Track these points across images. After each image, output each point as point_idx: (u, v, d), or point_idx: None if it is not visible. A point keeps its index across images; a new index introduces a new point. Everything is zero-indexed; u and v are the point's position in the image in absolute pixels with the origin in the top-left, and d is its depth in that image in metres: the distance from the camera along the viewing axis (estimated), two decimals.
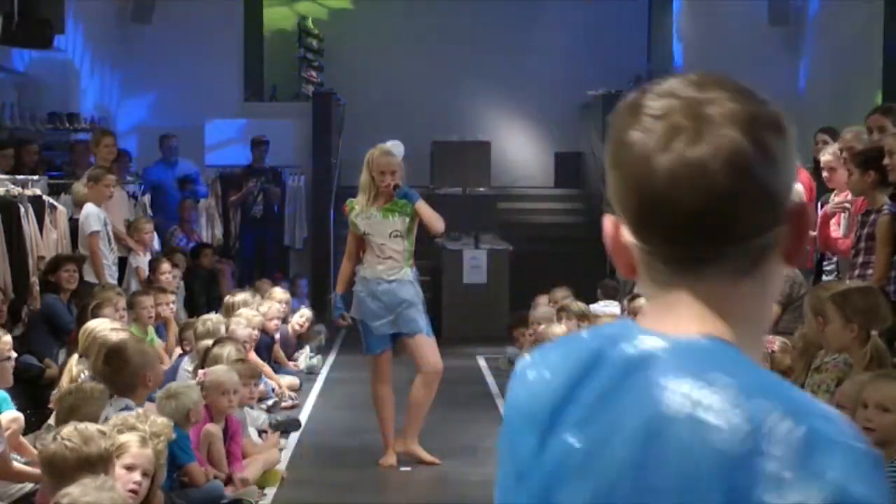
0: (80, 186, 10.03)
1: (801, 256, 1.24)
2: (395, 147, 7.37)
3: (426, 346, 7.34)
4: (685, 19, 16.92)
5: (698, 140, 1.17)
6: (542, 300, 10.90)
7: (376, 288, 7.22)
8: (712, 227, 1.18)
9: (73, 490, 3.71)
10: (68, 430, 4.25)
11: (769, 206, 1.19)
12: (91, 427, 4.30)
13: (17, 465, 5.49)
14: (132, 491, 4.44)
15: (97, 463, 4.13)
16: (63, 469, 4.11)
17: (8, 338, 6.13)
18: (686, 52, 16.71)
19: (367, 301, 7.26)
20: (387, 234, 7.26)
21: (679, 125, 1.18)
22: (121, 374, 5.62)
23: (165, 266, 10.31)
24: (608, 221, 1.26)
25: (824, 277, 7.39)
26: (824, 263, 7.54)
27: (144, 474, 4.55)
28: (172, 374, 7.71)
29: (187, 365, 7.95)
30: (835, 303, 5.24)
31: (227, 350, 7.55)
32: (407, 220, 7.29)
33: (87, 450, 4.15)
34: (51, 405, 6.08)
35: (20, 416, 5.88)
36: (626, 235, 1.24)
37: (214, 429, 6.23)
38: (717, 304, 1.20)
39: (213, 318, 8.69)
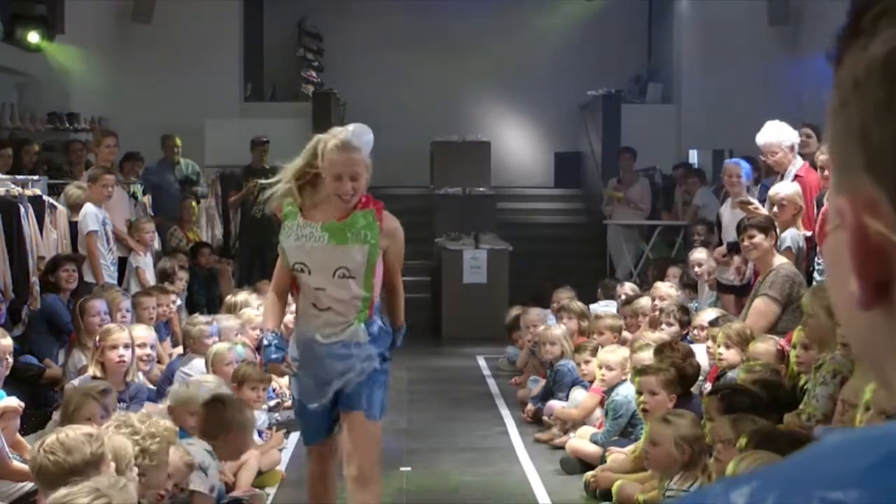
0: (72, 189, 10.02)
1: None
2: (359, 136, 4.76)
3: (361, 436, 4.83)
4: (685, 19, 16.91)
5: None
6: (534, 310, 10.85)
7: (308, 353, 4.84)
8: None
9: (61, 492, 3.70)
10: (50, 440, 4.16)
11: None
12: (75, 433, 4.22)
13: (16, 464, 5.49)
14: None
15: (84, 469, 4.06)
16: (48, 480, 4.07)
17: (9, 341, 6.14)
18: (686, 52, 16.70)
19: (298, 370, 4.91)
20: (329, 273, 4.74)
21: None
22: (216, 430, 5.71)
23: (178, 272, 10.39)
24: (847, 202, 0.71)
25: (816, 276, 7.38)
26: (818, 261, 7.53)
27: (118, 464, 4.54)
28: (169, 375, 7.70)
29: (184, 366, 7.92)
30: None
31: (217, 349, 7.54)
32: (368, 249, 4.73)
33: (71, 459, 4.07)
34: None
35: (15, 400, 5.87)
36: (889, 231, 0.69)
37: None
38: None
39: (204, 320, 8.66)
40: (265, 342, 4.89)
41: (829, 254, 0.75)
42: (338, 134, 4.73)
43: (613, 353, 7.44)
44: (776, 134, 8.15)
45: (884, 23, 0.69)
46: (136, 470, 4.47)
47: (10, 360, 6.26)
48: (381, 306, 4.97)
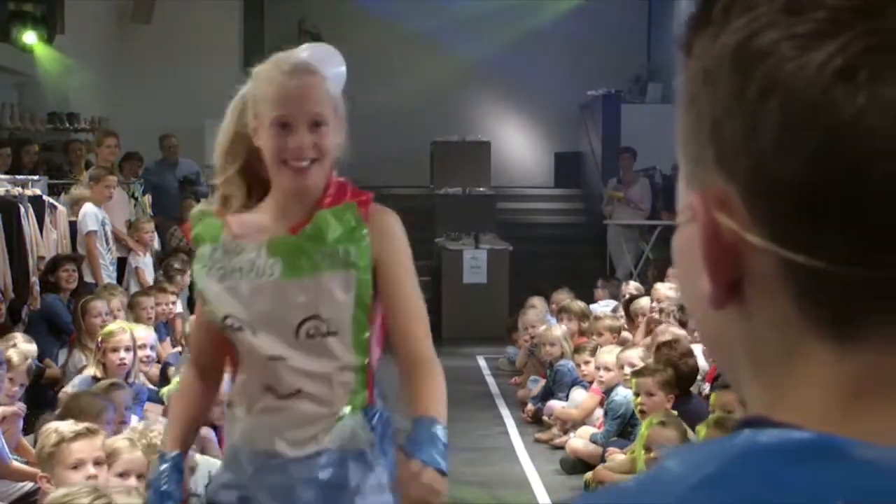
0: (77, 190, 10.03)
1: None
2: (319, 60, 2.78)
3: None
4: (685, 19, 16.88)
5: None
6: (536, 301, 10.89)
7: (263, 480, 2.66)
8: None
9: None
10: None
11: None
12: (50, 427, 4.57)
13: (16, 464, 5.49)
14: None
15: (46, 461, 4.47)
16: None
17: (29, 358, 6.21)
18: None
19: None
20: (290, 329, 2.61)
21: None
22: None
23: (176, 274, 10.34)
24: (699, 198, 0.68)
25: None
26: None
27: (140, 477, 4.56)
28: (164, 371, 7.71)
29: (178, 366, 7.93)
30: None
31: None
32: (355, 277, 2.61)
33: (40, 447, 4.53)
34: None
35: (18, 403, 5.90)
36: (740, 229, 0.67)
37: (206, 431, 6.22)
38: None
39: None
40: (154, 477, 2.73)
41: (679, 249, 0.73)
42: (278, 59, 2.75)
43: (611, 354, 7.44)
44: None
45: (735, 11, 0.67)
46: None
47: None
48: (382, 381, 2.70)
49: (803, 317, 0.66)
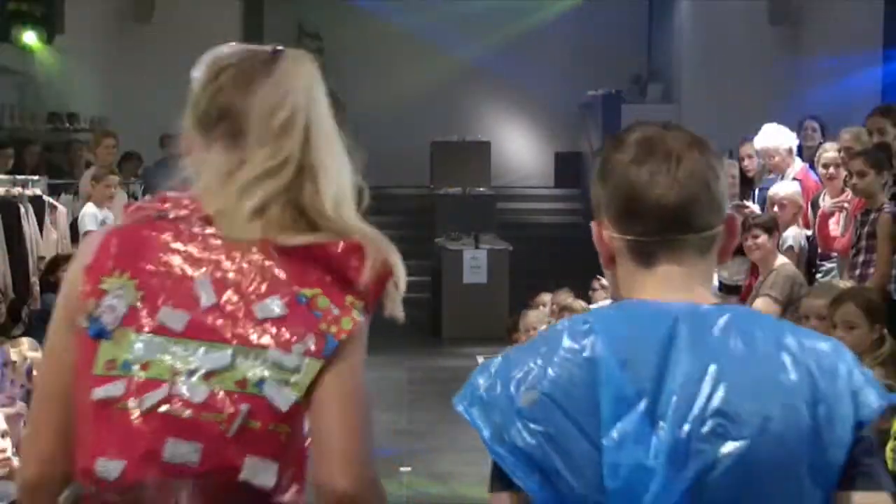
0: (82, 189, 10.04)
1: (728, 253, 1.72)
2: None
3: None
4: (685, 19, 16.92)
5: (669, 159, 1.67)
6: (546, 297, 10.88)
7: None
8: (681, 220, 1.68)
9: None
10: None
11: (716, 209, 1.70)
12: None
13: (16, 462, 5.51)
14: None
15: None
16: None
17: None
18: (686, 52, 16.71)
19: None
20: None
21: (653, 146, 1.69)
22: None
23: None
24: (595, 225, 1.75)
25: (819, 277, 7.40)
26: (824, 262, 7.54)
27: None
28: None
29: None
30: (859, 306, 5.11)
31: None
32: None
33: None
34: None
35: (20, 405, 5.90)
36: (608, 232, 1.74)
37: None
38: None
39: None
40: None
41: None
42: None
43: None
44: (774, 138, 8.19)
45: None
46: None
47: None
48: None
49: (632, 263, 1.72)
